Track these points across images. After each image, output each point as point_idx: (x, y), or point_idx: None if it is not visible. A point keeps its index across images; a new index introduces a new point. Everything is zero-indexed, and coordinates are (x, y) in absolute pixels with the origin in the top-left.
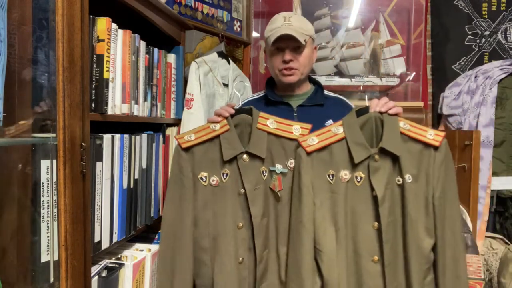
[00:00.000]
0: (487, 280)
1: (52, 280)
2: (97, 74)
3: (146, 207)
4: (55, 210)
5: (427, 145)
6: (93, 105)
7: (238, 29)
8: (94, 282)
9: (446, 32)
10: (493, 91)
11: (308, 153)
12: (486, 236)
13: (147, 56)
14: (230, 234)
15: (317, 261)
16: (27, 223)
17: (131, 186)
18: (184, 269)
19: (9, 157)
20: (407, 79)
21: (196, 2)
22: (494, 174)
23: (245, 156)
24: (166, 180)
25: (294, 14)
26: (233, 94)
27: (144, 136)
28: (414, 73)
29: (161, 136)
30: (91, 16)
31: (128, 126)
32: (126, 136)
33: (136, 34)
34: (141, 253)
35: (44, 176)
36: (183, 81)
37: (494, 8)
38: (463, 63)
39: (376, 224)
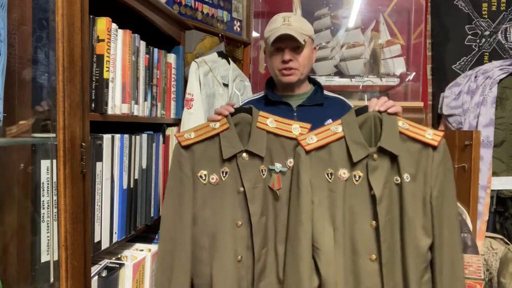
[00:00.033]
0: (487, 280)
1: (52, 280)
2: (97, 74)
3: (146, 207)
4: (55, 210)
5: (425, 144)
6: (93, 105)
7: (238, 29)
8: (94, 282)
9: (446, 32)
10: (493, 91)
11: (307, 152)
12: (486, 236)
13: (147, 56)
14: (229, 233)
15: (315, 259)
16: (27, 223)
17: (131, 186)
18: (182, 267)
19: (9, 157)
20: (407, 79)
21: (196, 2)
22: (494, 174)
23: (244, 154)
24: (166, 180)
25: (293, 14)
26: (233, 94)
27: (144, 136)
28: (414, 73)
29: (161, 136)
30: (91, 16)
31: (128, 126)
32: (126, 136)
33: (136, 34)
34: (141, 253)
35: (44, 176)
36: (183, 81)
37: (494, 8)
38: (463, 63)
39: (374, 223)
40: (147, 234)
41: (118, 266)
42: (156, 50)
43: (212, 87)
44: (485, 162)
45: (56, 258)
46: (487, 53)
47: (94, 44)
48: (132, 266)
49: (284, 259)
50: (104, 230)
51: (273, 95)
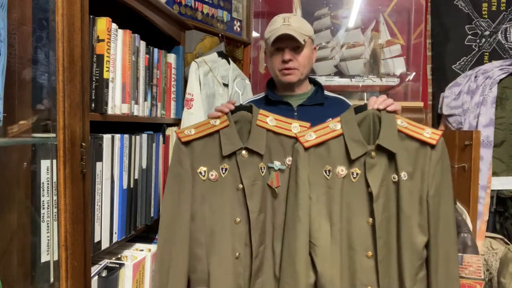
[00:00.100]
0: (487, 280)
1: (52, 280)
2: (97, 74)
3: (146, 207)
4: (55, 210)
5: (424, 143)
6: (93, 105)
7: (238, 29)
8: (94, 282)
9: (446, 32)
10: (493, 91)
11: (306, 149)
12: (486, 236)
13: (147, 56)
14: (228, 229)
15: (311, 255)
16: (27, 223)
17: (131, 186)
18: (180, 262)
19: (9, 157)
20: (407, 79)
21: (196, 2)
22: (494, 174)
23: (244, 152)
24: (166, 180)
25: (293, 15)
26: (234, 93)
27: (144, 136)
28: (414, 73)
29: (161, 136)
30: (91, 16)
31: (128, 126)
32: (126, 136)
33: (136, 34)
34: (141, 253)
35: (44, 176)
36: (183, 81)
37: (494, 8)
38: (463, 63)
39: (370, 220)
40: (147, 234)
41: (118, 266)
42: (156, 50)
43: (212, 87)
44: (485, 162)
45: (56, 258)
46: (487, 53)
47: (94, 44)
48: (132, 266)
49: (281, 256)
50: (104, 230)
51: (273, 95)
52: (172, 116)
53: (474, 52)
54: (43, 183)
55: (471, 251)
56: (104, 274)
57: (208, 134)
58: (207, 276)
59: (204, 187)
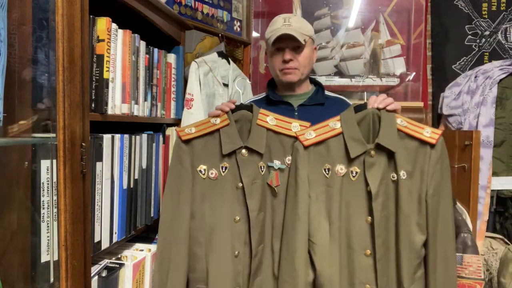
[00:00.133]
0: (487, 280)
1: (52, 280)
2: (97, 74)
3: (146, 207)
4: (55, 210)
5: (423, 142)
6: (93, 105)
7: (238, 29)
8: (94, 282)
9: (446, 32)
10: (493, 91)
11: (305, 147)
12: (486, 236)
13: (147, 56)
14: (227, 228)
15: (310, 253)
16: (27, 223)
17: (131, 186)
18: (179, 261)
19: (9, 157)
20: (407, 79)
21: (196, 2)
22: (494, 174)
23: (244, 151)
24: (166, 180)
25: (294, 15)
26: (234, 93)
27: (144, 136)
28: (414, 73)
29: (161, 136)
30: (91, 16)
31: (128, 126)
32: (126, 136)
33: (136, 34)
34: (141, 253)
35: (44, 176)
36: (183, 81)
37: (494, 8)
38: (463, 63)
39: (369, 218)
40: (147, 234)
41: (118, 266)
42: (156, 50)
43: (212, 87)
44: (485, 162)
45: (56, 258)
46: (487, 53)
47: (94, 44)
48: (132, 266)
49: (280, 254)
50: (104, 230)
51: (274, 95)
52: (172, 116)
53: (474, 52)
54: (43, 183)
55: (471, 251)
56: (104, 274)
57: (209, 133)
58: (206, 275)
59: (204, 185)
